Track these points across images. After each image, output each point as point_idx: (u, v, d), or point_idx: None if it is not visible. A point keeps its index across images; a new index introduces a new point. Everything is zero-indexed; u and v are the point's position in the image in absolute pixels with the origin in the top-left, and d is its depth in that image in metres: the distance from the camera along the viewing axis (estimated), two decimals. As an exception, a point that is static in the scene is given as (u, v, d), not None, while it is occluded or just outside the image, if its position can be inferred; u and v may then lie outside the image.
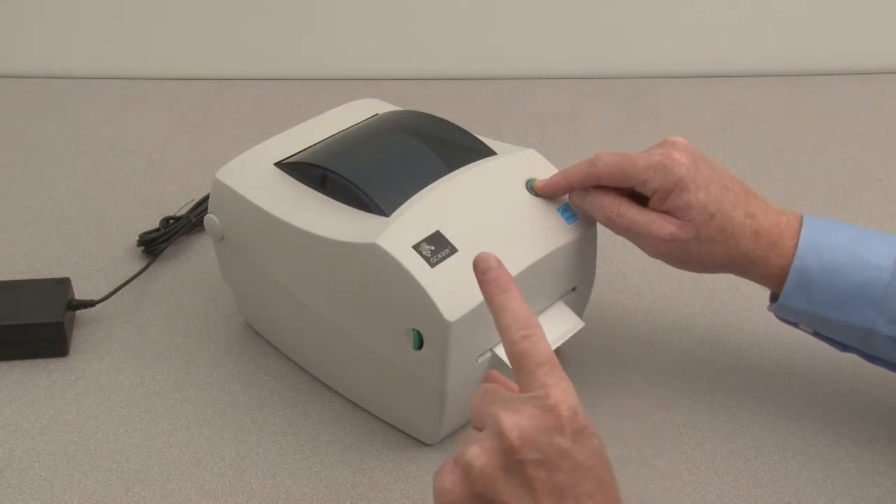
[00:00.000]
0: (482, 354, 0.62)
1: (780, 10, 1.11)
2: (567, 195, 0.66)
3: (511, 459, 0.44)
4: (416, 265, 0.58)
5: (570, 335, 0.65)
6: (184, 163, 0.95)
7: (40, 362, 0.72)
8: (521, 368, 0.48)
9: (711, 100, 1.09)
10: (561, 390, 0.46)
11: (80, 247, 0.84)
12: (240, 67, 1.12)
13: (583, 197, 0.64)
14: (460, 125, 0.70)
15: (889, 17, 1.13)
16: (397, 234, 0.59)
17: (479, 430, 0.47)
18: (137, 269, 0.79)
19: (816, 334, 0.65)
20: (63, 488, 0.62)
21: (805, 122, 1.05)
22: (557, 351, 0.63)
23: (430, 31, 1.11)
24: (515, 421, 0.45)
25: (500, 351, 0.62)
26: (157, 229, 0.83)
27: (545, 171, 0.67)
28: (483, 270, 0.51)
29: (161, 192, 0.91)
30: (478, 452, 0.45)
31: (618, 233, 0.64)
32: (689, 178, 0.61)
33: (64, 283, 0.74)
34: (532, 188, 0.65)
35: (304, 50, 1.12)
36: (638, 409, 0.69)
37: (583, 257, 0.67)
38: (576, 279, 0.67)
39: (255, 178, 0.67)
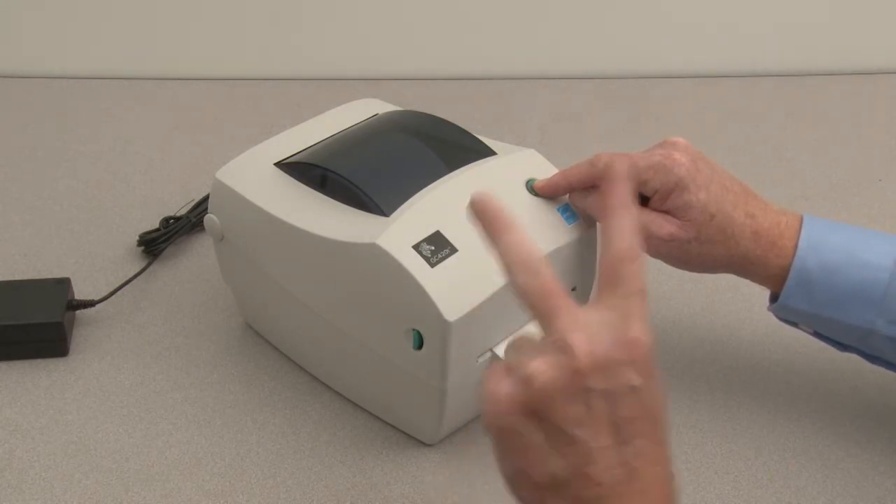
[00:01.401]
0: (482, 354, 0.62)
1: (780, 10, 1.11)
2: (567, 195, 0.66)
3: (578, 383, 0.43)
4: (416, 265, 0.58)
5: (570, 335, 0.65)
6: (184, 163, 0.95)
7: (40, 362, 0.72)
8: (614, 287, 0.46)
9: (711, 100, 1.09)
10: (643, 327, 0.44)
11: (80, 247, 0.84)
12: (240, 67, 1.11)
13: (583, 197, 0.64)
14: (460, 125, 0.70)
15: (889, 17, 1.13)
16: (397, 234, 0.59)
17: (534, 333, 0.45)
18: (137, 269, 0.79)
19: (816, 334, 0.65)
20: (63, 488, 0.62)
21: (805, 122, 1.05)
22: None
23: (430, 31, 1.11)
24: (590, 345, 0.43)
25: (501, 351, 0.62)
26: (157, 229, 0.83)
27: (545, 171, 0.67)
28: (611, 179, 0.48)
29: (161, 192, 0.90)
30: (543, 367, 0.43)
31: (618, 233, 0.64)
32: (690, 179, 0.61)
33: (64, 283, 0.74)
34: (532, 188, 0.65)
35: (305, 50, 1.12)
36: (638, 409, 0.68)
37: (583, 257, 0.67)
38: (576, 279, 0.67)
39: (255, 178, 0.67)
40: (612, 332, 0.44)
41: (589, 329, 0.44)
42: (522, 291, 0.45)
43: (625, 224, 0.47)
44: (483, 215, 0.48)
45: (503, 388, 0.44)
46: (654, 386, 0.44)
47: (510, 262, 0.46)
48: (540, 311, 0.45)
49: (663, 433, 0.45)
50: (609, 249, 0.47)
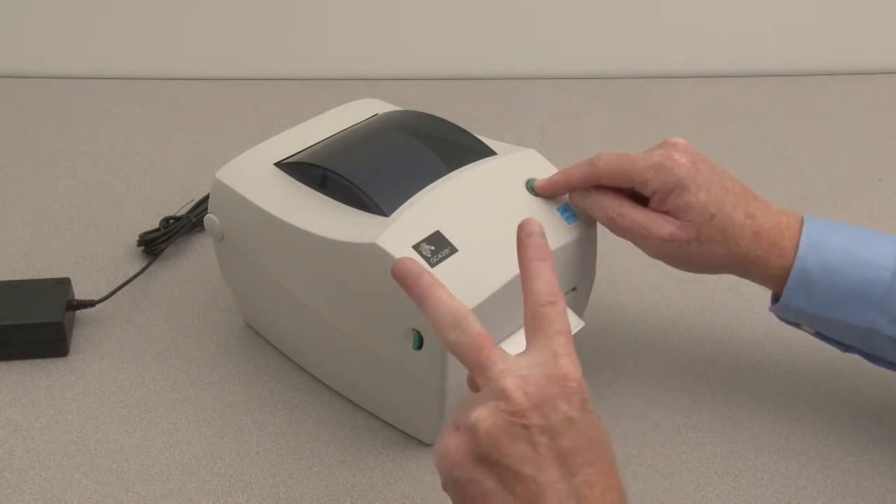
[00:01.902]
0: (482, 354, 0.62)
1: (780, 10, 1.11)
2: (567, 195, 0.66)
3: (518, 423, 0.45)
4: (416, 265, 0.58)
5: (570, 335, 0.65)
6: (184, 163, 0.95)
7: (40, 362, 0.72)
8: (539, 330, 0.48)
9: (711, 100, 1.09)
10: (571, 362, 0.47)
11: (80, 247, 0.84)
12: (240, 67, 1.12)
13: (584, 197, 0.64)
14: (460, 125, 0.70)
15: (889, 17, 1.13)
16: (397, 234, 0.59)
17: (476, 389, 0.48)
18: (137, 269, 0.79)
19: (818, 335, 0.65)
20: (63, 488, 0.62)
21: (805, 122, 1.05)
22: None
23: (430, 31, 1.11)
24: (523, 387, 0.45)
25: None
26: (157, 229, 0.83)
27: (545, 171, 0.67)
28: (527, 234, 0.52)
29: (161, 192, 0.91)
30: (484, 414, 0.45)
31: (618, 233, 0.64)
32: (690, 179, 0.61)
33: (64, 283, 0.74)
34: (532, 188, 0.65)
35: (305, 50, 1.12)
36: (638, 409, 0.69)
37: (583, 257, 0.67)
38: (576, 279, 0.67)
39: (255, 178, 0.67)
40: (543, 370, 0.46)
41: (520, 372, 0.46)
42: (454, 348, 0.48)
43: (544, 272, 0.50)
44: (405, 278, 0.51)
45: (452, 442, 0.46)
46: (590, 416, 0.46)
47: (438, 321, 0.49)
48: (474, 364, 0.48)
49: (610, 461, 0.46)
50: (531, 295, 0.50)
